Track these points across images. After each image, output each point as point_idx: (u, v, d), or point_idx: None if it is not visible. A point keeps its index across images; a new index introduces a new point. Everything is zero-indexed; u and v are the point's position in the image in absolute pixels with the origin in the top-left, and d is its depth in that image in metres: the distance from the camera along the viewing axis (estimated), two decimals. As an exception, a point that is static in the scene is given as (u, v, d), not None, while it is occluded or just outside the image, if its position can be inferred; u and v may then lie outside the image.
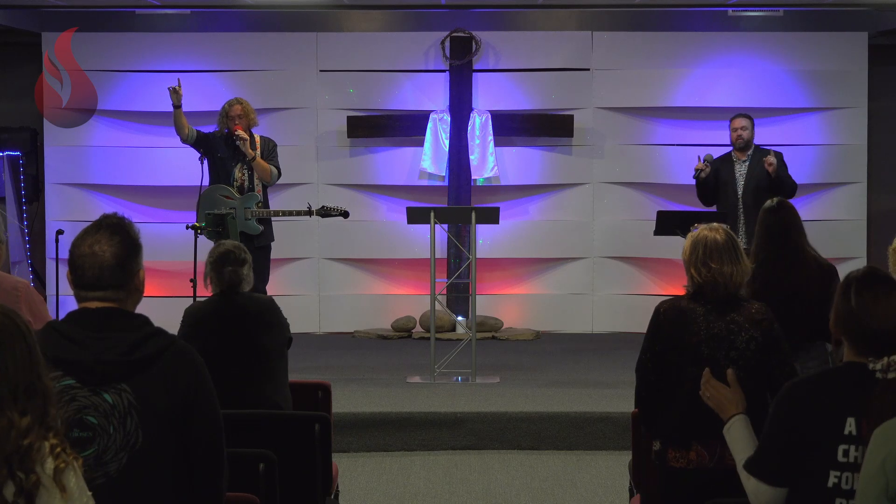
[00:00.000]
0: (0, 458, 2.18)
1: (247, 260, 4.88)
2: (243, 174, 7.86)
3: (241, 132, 7.79)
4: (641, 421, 4.11)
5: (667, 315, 3.83)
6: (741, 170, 8.32)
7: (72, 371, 2.69)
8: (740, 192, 8.26)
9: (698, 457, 3.73)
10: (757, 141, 8.51)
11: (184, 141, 7.93)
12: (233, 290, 4.80)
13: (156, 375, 2.72)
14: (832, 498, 2.86)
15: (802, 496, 2.93)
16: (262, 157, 7.89)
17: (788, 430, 2.93)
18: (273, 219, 8.01)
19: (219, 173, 7.88)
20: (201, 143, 7.91)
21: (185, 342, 2.83)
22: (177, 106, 7.81)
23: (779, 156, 8.26)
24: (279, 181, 8.19)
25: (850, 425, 2.85)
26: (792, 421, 2.92)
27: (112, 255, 2.77)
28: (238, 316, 4.75)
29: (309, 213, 7.85)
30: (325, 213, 7.91)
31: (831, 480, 2.86)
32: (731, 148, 8.47)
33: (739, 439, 3.29)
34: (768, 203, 5.36)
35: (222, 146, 7.88)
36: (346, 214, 8.00)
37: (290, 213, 8.02)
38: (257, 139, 7.95)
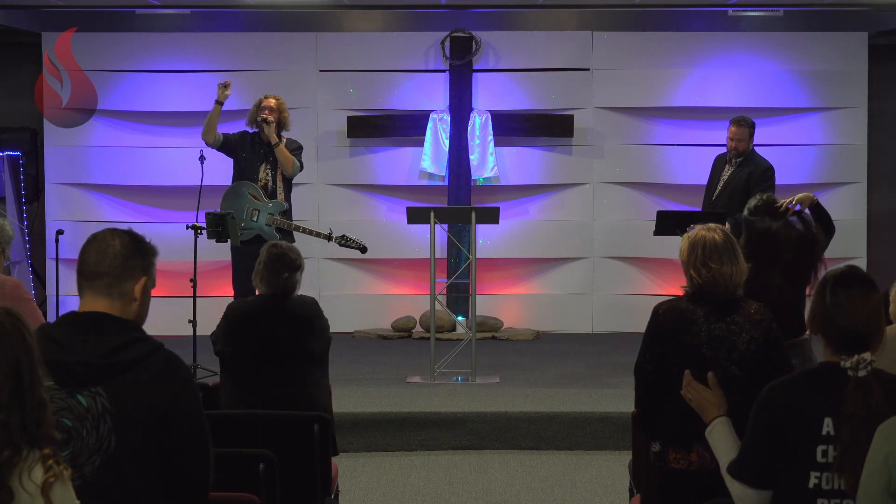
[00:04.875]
0: None
1: (301, 265, 4.88)
2: (267, 174, 7.86)
3: (268, 117, 7.80)
4: (640, 422, 4.09)
5: (666, 316, 3.81)
6: (726, 174, 8.10)
7: (52, 372, 2.67)
8: (714, 196, 8.08)
9: (700, 458, 3.71)
10: (759, 141, 8.41)
11: (210, 143, 7.89)
12: (285, 295, 4.79)
13: (134, 381, 2.69)
14: (813, 499, 2.89)
15: (784, 498, 2.95)
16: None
17: (769, 432, 2.94)
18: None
19: (243, 173, 7.90)
20: (227, 147, 7.91)
21: (172, 352, 2.81)
22: (220, 102, 7.83)
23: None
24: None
25: (828, 426, 2.87)
26: (772, 423, 2.94)
27: (121, 245, 2.83)
28: (285, 319, 4.74)
29: (328, 237, 7.86)
30: (343, 242, 7.88)
31: (812, 481, 2.88)
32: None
33: (722, 442, 3.30)
34: (754, 201, 5.35)
35: (248, 147, 7.89)
36: (363, 249, 7.97)
37: (310, 233, 7.96)
38: (284, 138, 7.94)
